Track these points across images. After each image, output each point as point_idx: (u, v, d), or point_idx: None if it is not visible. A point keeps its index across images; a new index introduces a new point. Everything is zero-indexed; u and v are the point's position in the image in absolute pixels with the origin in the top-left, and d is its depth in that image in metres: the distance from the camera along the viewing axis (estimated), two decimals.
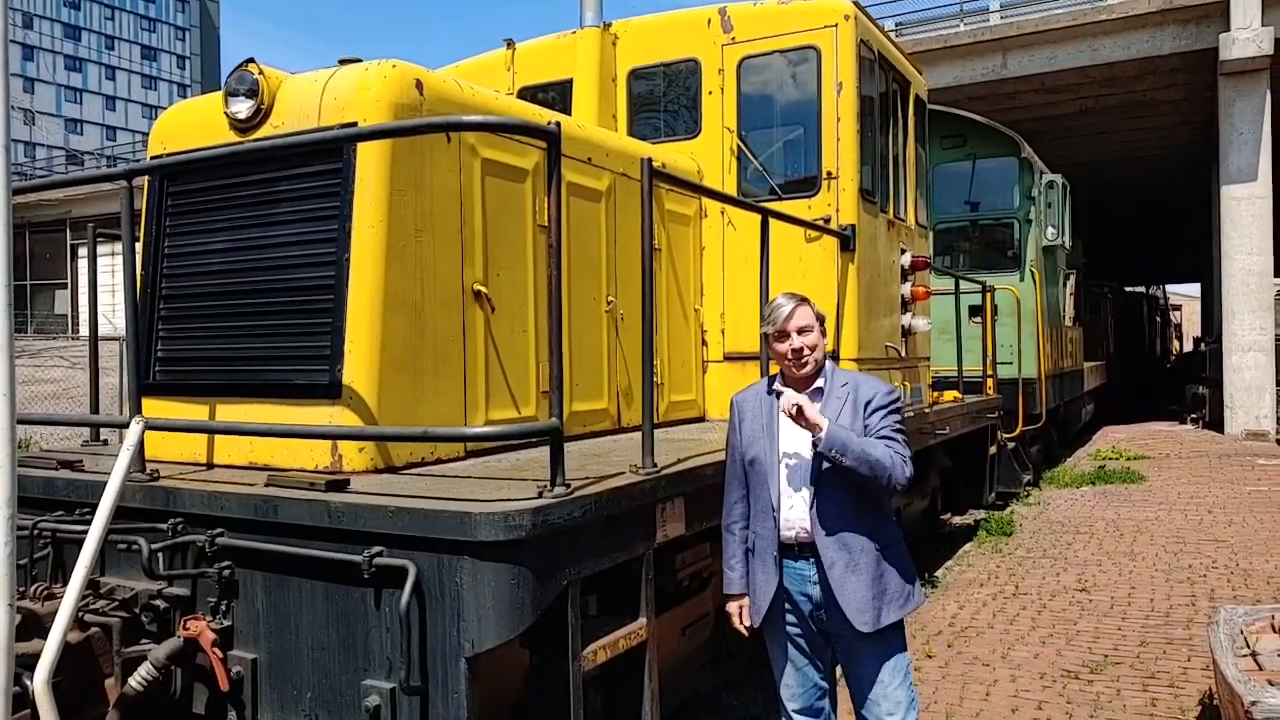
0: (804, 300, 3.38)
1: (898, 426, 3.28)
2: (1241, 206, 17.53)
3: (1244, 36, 16.81)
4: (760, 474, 3.30)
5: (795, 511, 3.24)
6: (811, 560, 3.22)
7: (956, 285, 9.16)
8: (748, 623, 3.38)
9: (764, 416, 3.37)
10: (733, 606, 3.43)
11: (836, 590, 3.17)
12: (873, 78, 6.21)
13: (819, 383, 3.33)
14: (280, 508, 3.24)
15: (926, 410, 7.18)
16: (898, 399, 3.35)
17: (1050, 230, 13.28)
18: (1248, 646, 4.19)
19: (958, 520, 10.04)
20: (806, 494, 3.23)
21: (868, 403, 3.27)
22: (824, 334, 3.37)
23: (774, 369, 3.50)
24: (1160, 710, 4.79)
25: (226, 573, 3.35)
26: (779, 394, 3.34)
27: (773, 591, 3.27)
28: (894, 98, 6.76)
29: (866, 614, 3.14)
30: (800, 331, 3.29)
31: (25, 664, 2.95)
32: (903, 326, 6.79)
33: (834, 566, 3.18)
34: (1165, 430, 19.62)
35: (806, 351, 3.29)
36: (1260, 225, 17.45)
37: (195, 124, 4.18)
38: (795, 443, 3.28)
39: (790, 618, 3.32)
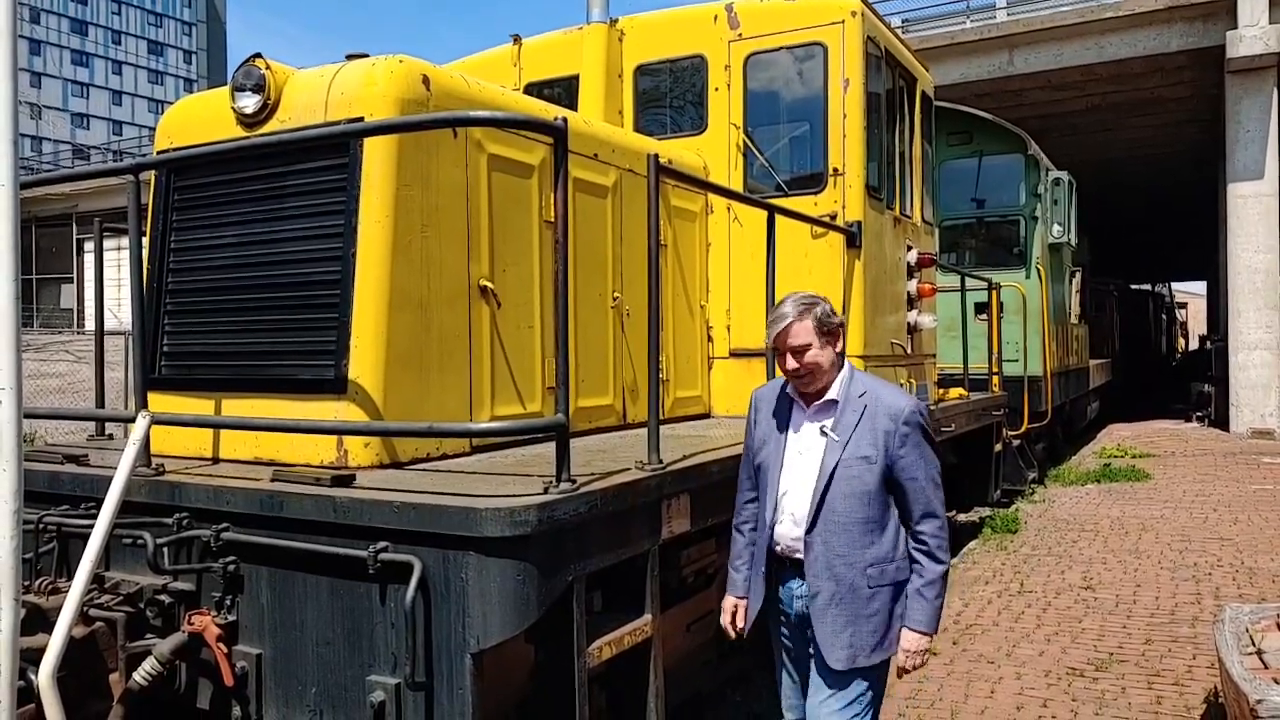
0: (808, 309, 3.04)
1: (929, 457, 3.01)
2: (1248, 204, 17.48)
3: (1251, 34, 16.75)
4: (765, 482, 3.16)
5: (784, 527, 3.10)
6: (800, 579, 3.08)
7: (962, 282, 9.15)
8: (741, 625, 3.29)
9: (776, 419, 3.19)
10: (728, 604, 3.31)
11: (816, 620, 3.01)
12: (879, 74, 6.20)
13: (832, 394, 3.07)
14: (286, 503, 3.24)
15: (932, 407, 7.16)
16: (923, 418, 3.05)
17: (1056, 227, 13.25)
18: (1253, 645, 4.17)
19: (963, 518, 10.02)
20: (803, 514, 3.06)
21: (889, 430, 2.98)
22: (832, 342, 3.05)
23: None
24: (1165, 708, 4.78)
25: (231, 568, 3.35)
26: (793, 402, 3.16)
27: (759, 604, 3.19)
28: (900, 94, 6.75)
29: (840, 652, 2.97)
30: (796, 352, 3.01)
31: (30, 659, 2.96)
32: (908, 323, 6.78)
33: (819, 596, 3.00)
34: (1170, 428, 19.57)
35: (804, 372, 3.03)
36: (1266, 223, 17.39)
37: (202, 119, 4.18)
38: (799, 457, 3.11)
39: (784, 630, 3.23)
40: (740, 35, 6.16)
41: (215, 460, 4.00)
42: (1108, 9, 18.11)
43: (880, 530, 3.02)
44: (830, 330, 3.06)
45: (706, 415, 6.01)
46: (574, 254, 4.42)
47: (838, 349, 3.09)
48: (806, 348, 3.01)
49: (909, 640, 3.02)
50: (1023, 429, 11.59)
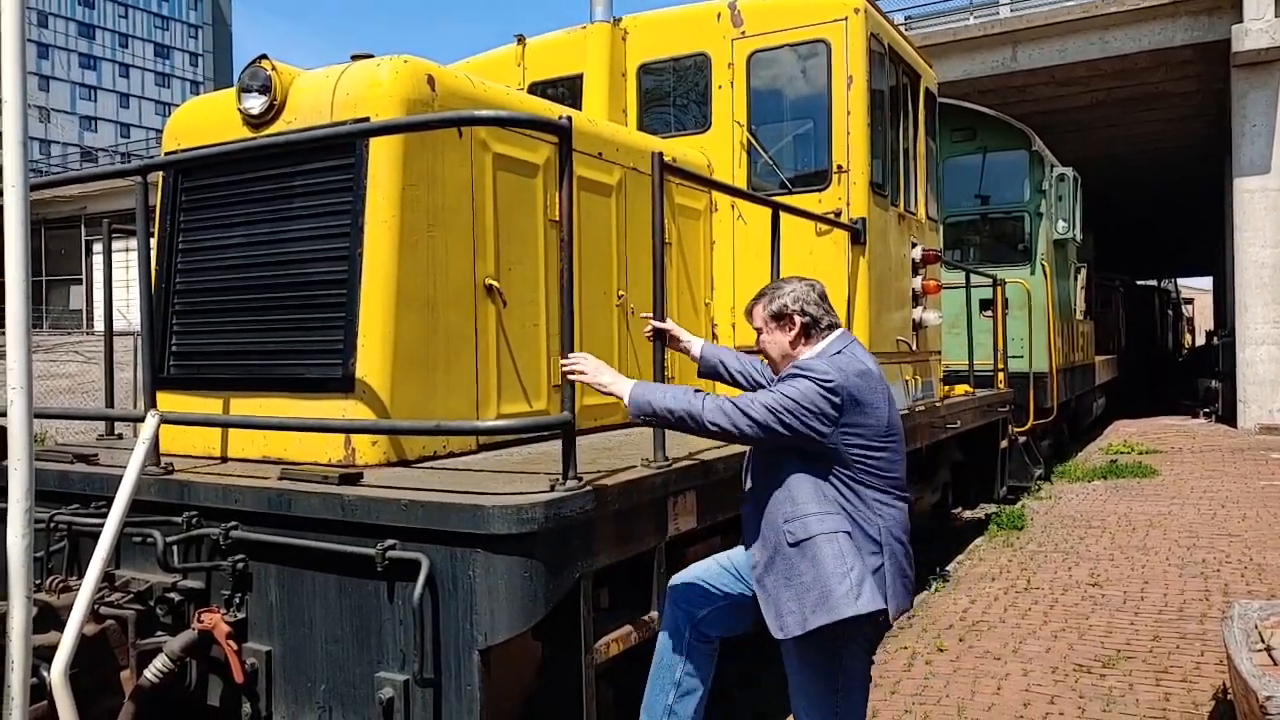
0: (764, 296, 3.16)
1: (785, 387, 2.87)
2: (1254, 199, 17.42)
3: (1256, 28, 16.69)
4: None
5: None
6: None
7: (967, 279, 9.14)
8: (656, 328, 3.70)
9: None
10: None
11: (758, 592, 3.00)
12: (883, 71, 6.20)
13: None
14: (294, 501, 3.26)
15: (938, 404, 7.16)
16: (812, 372, 2.89)
17: (1061, 224, 13.22)
18: (1262, 641, 4.17)
19: (969, 514, 10.02)
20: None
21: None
22: (782, 328, 3.10)
23: None
24: (1173, 705, 4.78)
25: (240, 565, 3.38)
26: None
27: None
28: (904, 91, 6.75)
29: (780, 619, 2.91)
30: (758, 330, 3.19)
31: (42, 656, 2.98)
32: (913, 320, 6.78)
33: (757, 566, 3.02)
34: (1177, 424, 19.51)
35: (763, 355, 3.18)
36: (1273, 217, 17.33)
37: (209, 120, 4.20)
38: None
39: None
40: (743, 33, 6.17)
41: (224, 459, 4.03)
42: (1112, 3, 18.05)
43: (799, 486, 2.93)
44: (777, 316, 3.12)
45: None
46: (579, 252, 4.43)
47: (789, 336, 3.10)
48: (759, 331, 3.19)
49: (599, 358, 3.18)
50: (1028, 425, 11.58)
